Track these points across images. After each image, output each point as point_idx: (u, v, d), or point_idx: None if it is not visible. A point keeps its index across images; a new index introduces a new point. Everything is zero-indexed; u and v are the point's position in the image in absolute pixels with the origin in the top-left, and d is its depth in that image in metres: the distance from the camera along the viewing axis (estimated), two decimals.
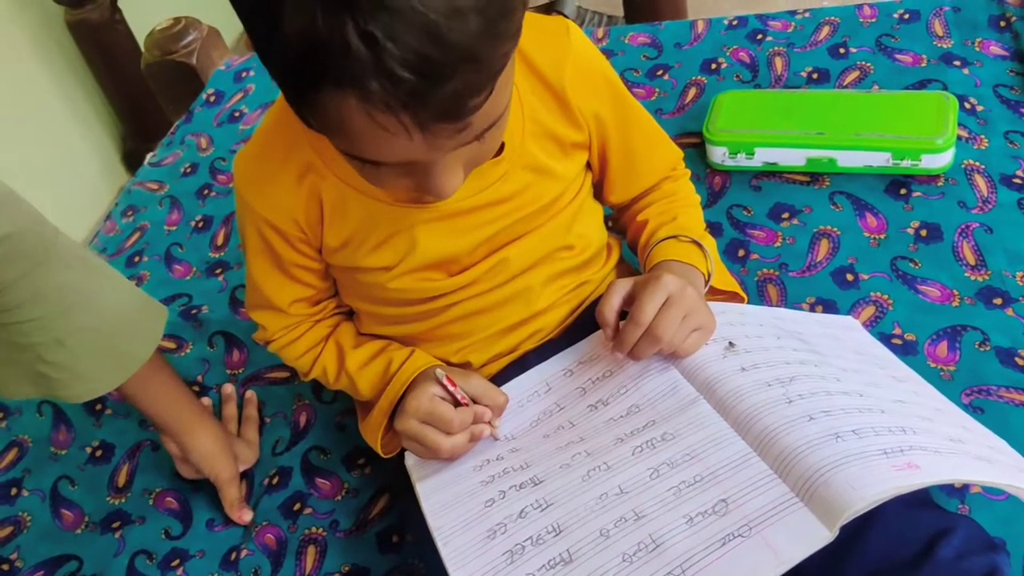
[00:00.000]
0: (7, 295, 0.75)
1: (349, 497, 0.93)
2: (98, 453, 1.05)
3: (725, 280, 0.88)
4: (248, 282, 0.87)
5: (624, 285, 0.78)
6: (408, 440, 0.79)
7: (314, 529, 0.90)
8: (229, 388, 1.06)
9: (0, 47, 2.10)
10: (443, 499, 0.76)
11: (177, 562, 0.92)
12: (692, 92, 1.22)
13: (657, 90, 1.25)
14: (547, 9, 2.30)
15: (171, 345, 1.14)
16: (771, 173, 1.09)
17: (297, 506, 0.93)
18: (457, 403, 0.77)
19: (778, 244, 1.02)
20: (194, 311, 1.17)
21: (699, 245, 0.84)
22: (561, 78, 0.78)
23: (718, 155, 1.10)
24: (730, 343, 0.78)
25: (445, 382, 0.77)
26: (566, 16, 2.30)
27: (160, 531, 0.96)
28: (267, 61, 0.57)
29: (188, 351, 1.13)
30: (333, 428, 1.00)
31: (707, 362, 0.76)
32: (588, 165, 0.86)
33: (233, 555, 0.91)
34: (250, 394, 1.05)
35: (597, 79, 0.81)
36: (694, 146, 1.14)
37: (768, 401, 0.70)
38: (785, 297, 0.97)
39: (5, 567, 0.97)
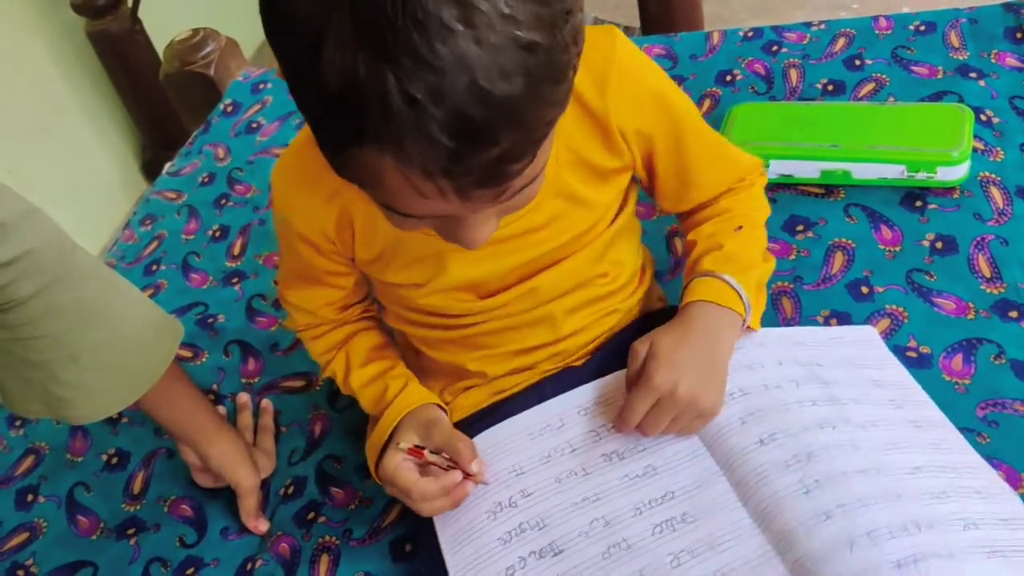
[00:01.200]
0: (23, 310, 0.75)
1: (363, 506, 0.93)
2: (114, 460, 1.06)
3: (758, 314, 0.84)
4: (279, 275, 0.89)
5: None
6: None
7: (328, 538, 0.91)
8: (244, 397, 1.07)
9: (21, 57, 2.13)
10: (465, 558, 0.76)
11: (192, 570, 0.93)
12: (707, 104, 1.22)
13: None
14: None
15: (187, 354, 1.15)
16: (786, 185, 1.08)
17: (311, 515, 0.93)
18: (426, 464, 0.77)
19: (792, 257, 1.02)
20: (210, 320, 1.18)
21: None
22: (604, 103, 0.75)
23: None
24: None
25: (410, 451, 0.77)
26: None
27: (175, 538, 0.96)
28: (303, 108, 0.55)
29: (204, 360, 1.14)
30: (347, 436, 1.00)
31: (726, 431, 0.77)
32: (634, 177, 0.84)
33: (248, 565, 0.91)
34: (266, 403, 1.06)
35: (643, 96, 0.77)
36: None
37: (786, 491, 0.71)
38: (800, 310, 0.97)
39: (21, 573, 0.98)
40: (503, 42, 0.49)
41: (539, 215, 0.77)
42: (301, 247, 0.81)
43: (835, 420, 0.76)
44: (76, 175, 2.28)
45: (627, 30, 2.32)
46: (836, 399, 0.79)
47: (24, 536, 1.01)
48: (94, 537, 0.99)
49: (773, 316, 0.97)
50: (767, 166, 1.07)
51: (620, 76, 0.75)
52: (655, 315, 0.91)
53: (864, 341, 0.90)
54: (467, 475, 0.76)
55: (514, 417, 0.84)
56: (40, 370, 0.79)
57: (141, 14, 2.17)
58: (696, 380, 0.75)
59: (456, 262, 0.78)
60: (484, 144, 0.52)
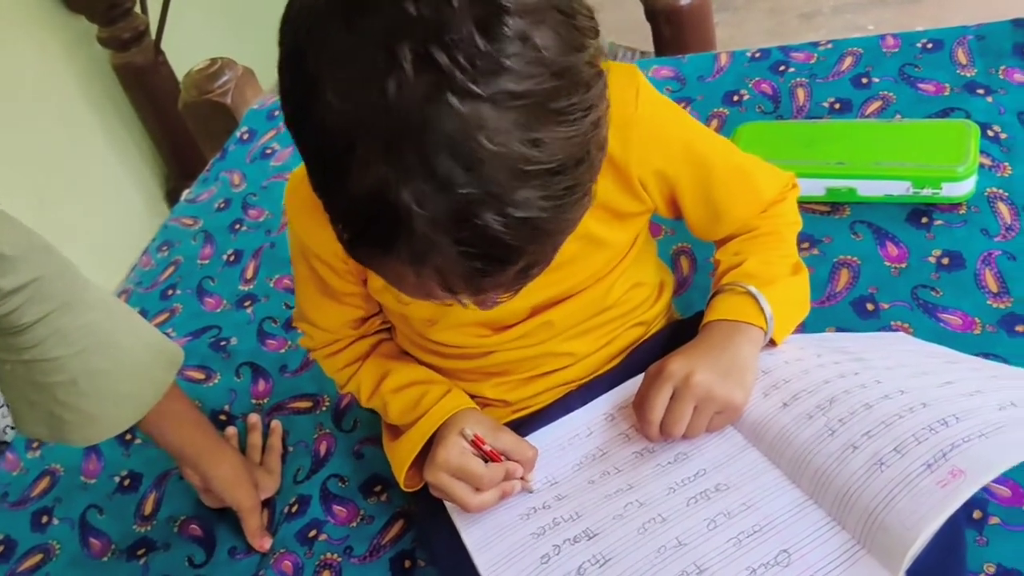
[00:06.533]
0: (29, 333, 0.78)
1: (364, 523, 0.93)
2: (126, 482, 1.07)
3: (786, 329, 0.81)
4: (297, 296, 0.89)
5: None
6: (436, 491, 0.79)
7: (329, 555, 0.91)
8: (255, 418, 1.08)
9: (51, 91, 2.18)
10: (496, 554, 0.75)
11: None
12: (714, 124, 1.23)
13: None
14: None
15: (200, 376, 1.16)
16: None
17: (313, 532, 0.94)
18: (487, 459, 0.77)
19: None
20: (223, 342, 1.20)
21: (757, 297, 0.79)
22: (626, 155, 0.74)
23: None
24: None
25: (474, 440, 0.77)
26: None
27: (184, 558, 0.97)
28: (329, 213, 0.55)
29: (216, 381, 1.15)
30: (352, 456, 1.01)
31: (751, 407, 0.76)
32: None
33: None
34: (275, 424, 1.07)
35: (665, 145, 0.76)
36: None
37: (813, 438, 0.71)
38: (803, 328, 0.96)
39: None
40: (532, 169, 0.50)
41: (558, 258, 0.76)
42: (317, 265, 0.81)
43: (858, 368, 0.76)
44: (103, 204, 2.33)
45: (643, 54, 2.33)
46: (861, 359, 0.78)
47: (38, 558, 1.03)
48: (105, 558, 1.00)
49: None
50: None
51: (642, 129, 0.74)
52: (682, 323, 0.91)
53: (899, 338, 0.90)
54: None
55: (542, 430, 0.84)
56: (44, 392, 0.81)
57: (164, 46, 2.22)
58: (711, 372, 0.74)
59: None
60: (508, 263, 0.53)
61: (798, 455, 0.71)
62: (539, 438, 0.83)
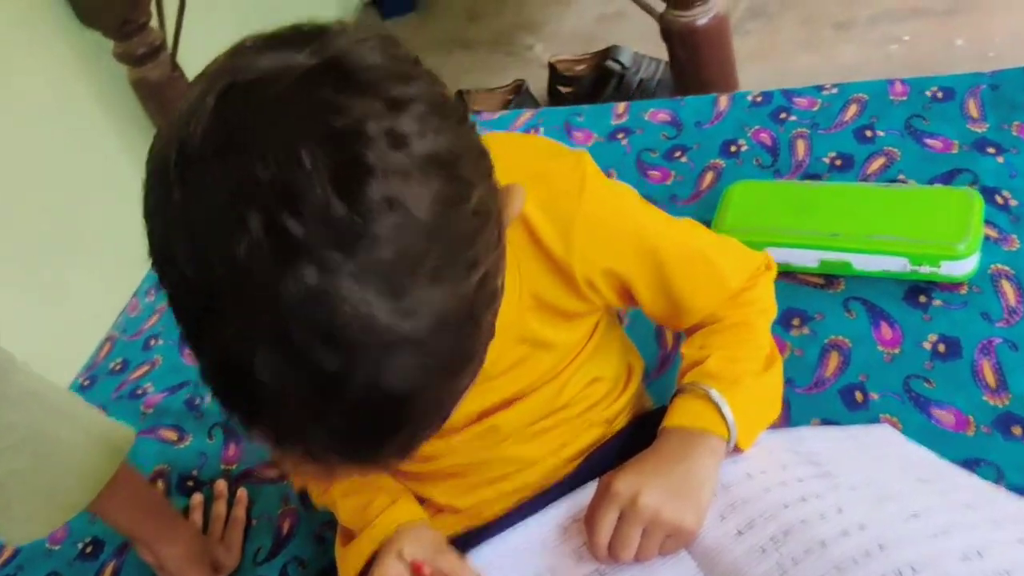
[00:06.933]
0: None
1: None
2: (88, 549, 1.05)
3: (752, 433, 0.75)
4: None
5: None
6: None
7: None
8: (222, 485, 1.05)
9: (69, 108, 2.17)
10: None
11: None
12: (709, 177, 1.16)
13: (673, 173, 1.19)
14: (603, 56, 2.26)
15: (173, 436, 1.14)
16: (784, 273, 1.01)
17: None
18: None
19: (786, 355, 0.94)
20: (197, 401, 1.17)
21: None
22: (568, 254, 0.69)
23: None
24: None
25: (412, 564, 0.73)
26: (622, 64, 2.24)
27: None
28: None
29: (188, 442, 1.13)
30: (313, 539, 0.97)
31: (706, 529, 0.71)
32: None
33: None
34: (241, 493, 1.04)
35: (613, 240, 0.71)
36: None
37: None
38: (788, 417, 0.90)
39: None
40: (401, 341, 0.44)
41: (501, 363, 0.71)
42: None
43: (821, 490, 0.69)
44: (123, 220, 2.32)
45: (667, 65, 2.25)
46: (828, 474, 0.72)
47: None
48: None
49: None
50: None
51: (587, 225, 0.68)
52: (649, 417, 0.84)
53: (882, 431, 0.83)
54: None
55: (492, 541, 0.78)
56: None
57: (180, 61, 2.20)
58: (661, 493, 0.68)
59: None
60: (384, 440, 0.48)
61: None
62: (488, 552, 0.78)
